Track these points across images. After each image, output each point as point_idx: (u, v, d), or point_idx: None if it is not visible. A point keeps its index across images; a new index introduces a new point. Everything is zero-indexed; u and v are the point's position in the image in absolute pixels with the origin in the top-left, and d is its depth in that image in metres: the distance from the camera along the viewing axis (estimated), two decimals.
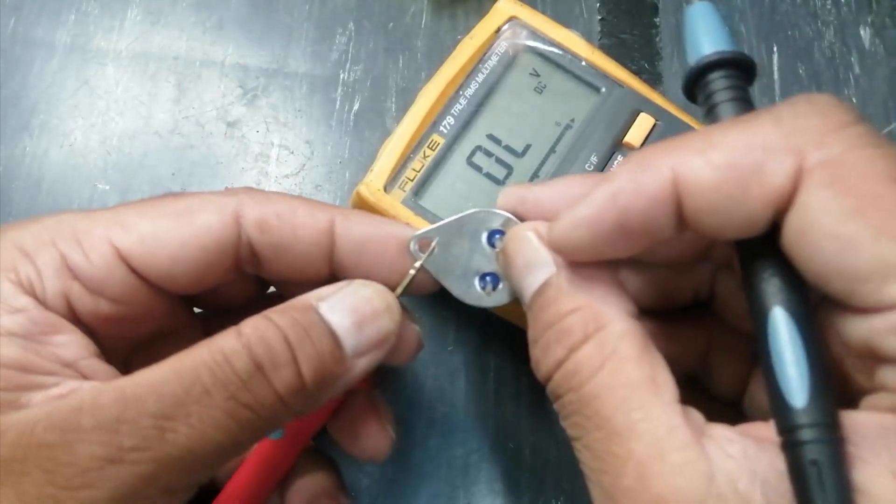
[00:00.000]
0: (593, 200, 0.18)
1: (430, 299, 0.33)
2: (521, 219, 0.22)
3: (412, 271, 0.24)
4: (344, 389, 0.22)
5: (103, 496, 0.17)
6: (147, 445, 0.18)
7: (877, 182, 0.16)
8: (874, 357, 0.16)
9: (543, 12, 0.32)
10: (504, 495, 0.30)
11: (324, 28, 0.38)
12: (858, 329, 0.17)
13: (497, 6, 0.31)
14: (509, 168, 0.30)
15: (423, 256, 0.24)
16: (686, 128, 0.30)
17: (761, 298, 0.18)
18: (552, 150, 0.30)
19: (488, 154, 0.30)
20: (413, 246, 0.24)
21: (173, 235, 0.22)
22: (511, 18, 0.31)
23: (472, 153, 0.30)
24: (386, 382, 0.32)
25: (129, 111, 0.36)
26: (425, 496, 0.30)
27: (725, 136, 0.18)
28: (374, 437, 0.25)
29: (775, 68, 0.37)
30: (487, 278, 0.24)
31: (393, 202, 0.28)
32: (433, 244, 0.24)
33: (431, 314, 0.33)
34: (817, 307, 0.18)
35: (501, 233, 0.23)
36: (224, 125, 0.36)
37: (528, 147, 0.30)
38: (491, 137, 0.30)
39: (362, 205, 0.28)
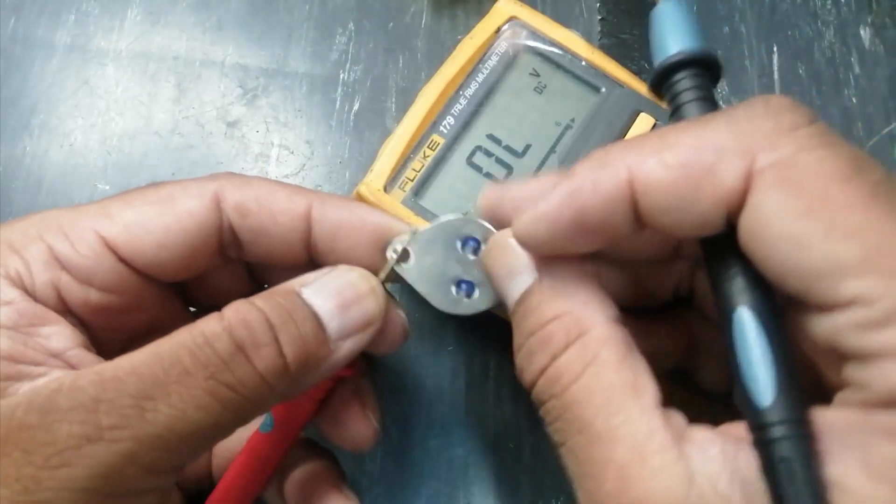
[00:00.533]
0: (553, 197, 0.19)
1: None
2: (501, 218, 0.22)
3: (394, 255, 0.24)
4: (329, 373, 0.22)
5: (82, 474, 0.17)
6: (126, 424, 0.18)
7: (827, 182, 0.16)
8: (838, 354, 0.17)
9: (543, 12, 0.32)
10: (504, 495, 0.30)
11: (324, 28, 0.38)
12: (821, 326, 0.17)
13: (497, 6, 0.31)
14: (509, 168, 0.30)
15: (393, 262, 0.24)
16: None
17: (726, 298, 0.18)
18: (552, 150, 0.30)
19: (488, 154, 0.30)
20: (390, 253, 0.24)
21: (157, 221, 0.23)
22: (511, 18, 0.31)
23: (472, 153, 0.30)
24: (386, 382, 0.32)
25: (129, 111, 0.36)
26: (425, 496, 0.30)
27: (680, 136, 0.18)
28: (357, 426, 0.25)
29: (775, 68, 0.37)
30: (463, 286, 0.24)
31: (393, 202, 0.28)
32: (401, 248, 0.24)
33: (431, 314, 0.33)
34: (786, 305, 0.18)
35: (476, 240, 0.23)
36: (224, 125, 0.36)
37: (528, 147, 0.30)
38: (491, 137, 0.30)
39: None
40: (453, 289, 0.24)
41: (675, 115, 0.21)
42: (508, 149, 0.30)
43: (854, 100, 0.36)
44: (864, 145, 0.36)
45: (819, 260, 0.16)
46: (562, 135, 0.30)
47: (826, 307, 0.16)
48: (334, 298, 0.22)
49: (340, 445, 0.26)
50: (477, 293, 0.24)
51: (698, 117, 0.19)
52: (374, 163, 0.29)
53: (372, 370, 0.27)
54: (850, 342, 0.16)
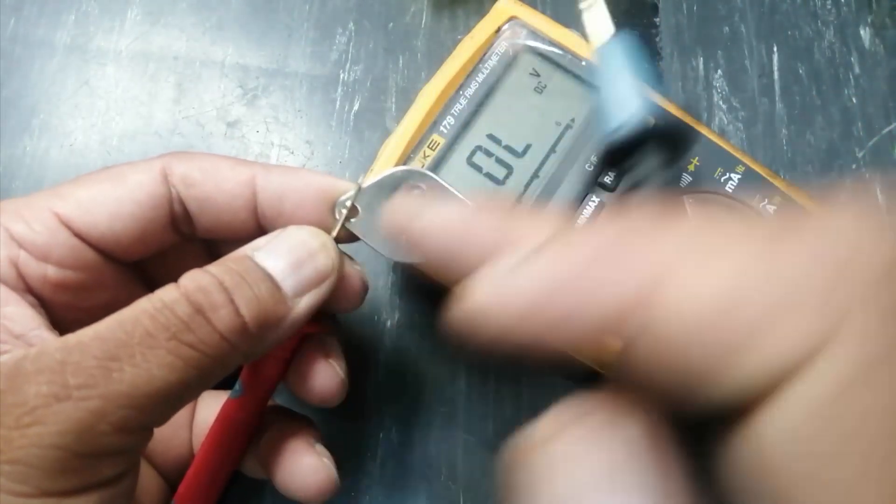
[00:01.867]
0: (538, 279, 0.14)
1: (429, 299, 0.33)
2: (462, 257, 0.17)
3: (344, 210, 0.24)
4: (293, 330, 0.22)
5: (52, 430, 0.17)
6: (93, 383, 0.18)
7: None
8: None
9: (543, 12, 0.32)
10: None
11: (324, 28, 0.38)
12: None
13: (497, 6, 0.31)
14: (509, 168, 0.30)
15: (343, 218, 0.24)
16: (686, 127, 0.30)
17: None
18: (552, 150, 0.30)
19: (488, 154, 0.30)
20: (338, 210, 0.24)
21: (108, 195, 0.23)
22: (511, 18, 0.31)
23: (472, 153, 0.30)
24: (386, 382, 0.32)
25: (129, 111, 0.36)
26: (425, 496, 0.30)
27: (732, 251, 0.12)
28: (321, 377, 0.25)
29: (775, 68, 0.37)
30: None
31: None
32: (350, 205, 0.24)
33: (431, 314, 0.33)
34: None
35: (420, 188, 0.24)
36: (224, 125, 0.36)
37: (528, 147, 0.30)
38: (491, 137, 0.30)
39: None
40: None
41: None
42: (508, 149, 0.30)
43: (854, 100, 0.36)
44: (864, 145, 0.36)
45: None
46: (562, 135, 0.30)
47: None
48: (286, 257, 0.22)
49: (309, 400, 0.25)
50: None
51: (747, 223, 0.13)
52: (374, 163, 0.29)
53: (338, 328, 0.27)
54: None
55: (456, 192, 0.24)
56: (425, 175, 0.24)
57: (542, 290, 0.13)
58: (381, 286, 0.33)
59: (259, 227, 0.25)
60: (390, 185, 0.24)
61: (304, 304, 0.22)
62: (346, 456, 0.30)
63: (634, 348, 0.12)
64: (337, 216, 0.24)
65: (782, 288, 0.11)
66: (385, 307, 0.33)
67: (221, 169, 0.25)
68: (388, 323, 0.33)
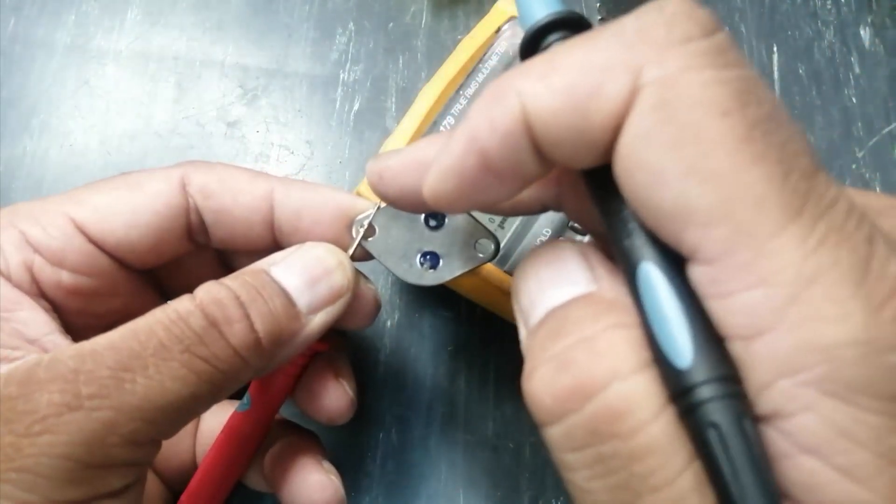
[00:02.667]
0: (453, 147, 0.17)
1: (430, 299, 0.33)
2: (388, 191, 0.20)
3: (361, 229, 0.24)
4: (304, 346, 0.22)
5: (63, 440, 0.17)
6: (106, 394, 0.18)
7: (703, 111, 0.14)
8: None
9: None
10: (504, 495, 0.30)
11: (324, 28, 0.38)
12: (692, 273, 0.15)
13: (497, 6, 0.31)
14: None
15: (360, 237, 0.24)
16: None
17: (625, 253, 0.16)
18: None
19: None
20: (356, 228, 0.24)
21: (125, 203, 0.23)
22: (511, 18, 0.31)
23: None
24: (386, 382, 0.32)
25: (129, 111, 0.36)
26: (425, 496, 0.30)
27: (567, 56, 0.16)
28: (331, 397, 0.25)
29: (775, 68, 0.37)
30: (427, 256, 0.24)
31: None
32: (368, 224, 0.24)
33: (431, 314, 0.33)
34: None
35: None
36: (224, 125, 0.36)
37: None
38: None
39: None
40: (418, 261, 0.24)
41: None
42: None
43: (854, 100, 0.36)
44: (864, 145, 0.36)
45: (670, 199, 0.14)
46: None
47: (673, 244, 0.15)
48: (302, 274, 0.22)
49: (317, 419, 0.26)
50: (441, 264, 0.24)
51: (588, 33, 0.17)
52: None
53: (347, 345, 0.27)
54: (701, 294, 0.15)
55: (476, 219, 0.24)
56: None
57: (465, 133, 0.16)
58: (381, 286, 0.33)
59: (274, 241, 0.25)
60: None
61: (317, 321, 0.22)
62: (346, 456, 0.30)
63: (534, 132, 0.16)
64: (354, 234, 0.24)
65: (600, 60, 0.15)
66: (385, 307, 0.33)
67: (240, 181, 0.24)
68: (388, 323, 0.33)
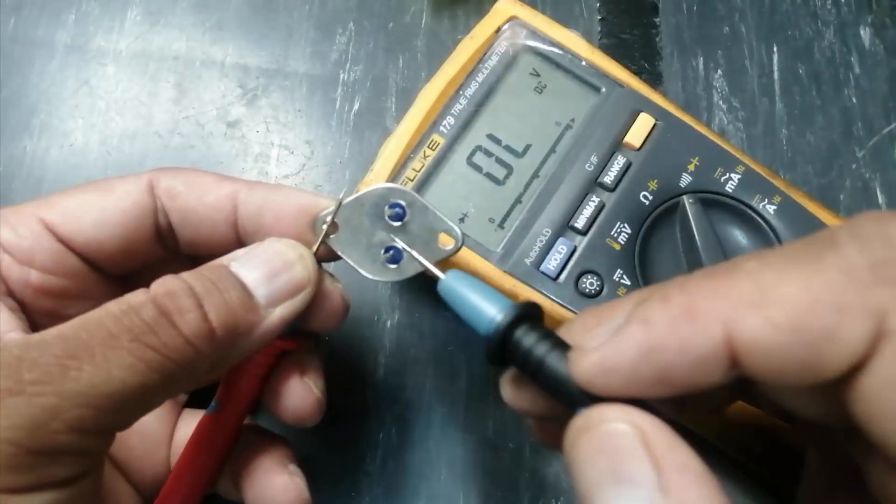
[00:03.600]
0: (625, 347, 0.16)
1: (430, 299, 0.33)
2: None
3: (324, 226, 0.24)
4: (265, 340, 0.22)
5: (3, 425, 0.17)
6: (48, 380, 0.18)
7: None
8: None
9: (543, 12, 0.32)
10: (504, 495, 0.30)
11: (324, 28, 0.38)
12: None
13: (497, 6, 0.31)
14: (509, 168, 0.30)
15: (323, 234, 0.24)
16: (686, 128, 0.30)
17: None
18: (552, 150, 0.30)
19: (488, 154, 0.30)
20: (318, 226, 0.24)
21: (94, 203, 0.24)
22: (511, 18, 0.31)
23: (472, 153, 0.30)
24: (386, 383, 0.32)
25: (129, 111, 0.36)
26: (425, 496, 0.30)
27: (784, 285, 0.15)
28: (296, 396, 0.25)
29: (775, 68, 0.37)
30: (391, 251, 0.24)
31: None
32: (331, 220, 0.24)
33: (432, 314, 0.33)
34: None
35: (401, 206, 0.24)
36: (224, 125, 0.36)
37: (528, 147, 0.30)
38: (491, 137, 0.30)
39: None
40: (382, 256, 0.24)
41: (540, 371, 0.18)
42: (508, 149, 0.30)
43: (854, 100, 0.36)
44: (864, 145, 0.36)
45: None
46: (562, 135, 0.30)
47: None
48: (261, 267, 0.22)
49: (285, 420, 0.25)
50: (405, 259, 0.24)
51: (790, 250, 0.16)
52: (374, 163, 0.29)
53: (320, 347, 0.27)
54: None
55: (436, 211, 0.24)
56: (406, 193, 0.24)
57: (644, 342, 0.16)
58: (381, 286, 0.33)
59: (240, 243, 0.25)
60: (370, 202, 0.24)
61: (277, 314, 0.22)
62: (346, 456, 0.30)
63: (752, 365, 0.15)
64: (317, 232, 0.24)
65: (831, 299, 0.15)
66: (385, 307, 0.33)
67: (205, 182, 0.25)
68: (388, 323, 0.33)
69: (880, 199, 0.35)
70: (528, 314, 0.19)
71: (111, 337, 0.19)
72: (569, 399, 0.18)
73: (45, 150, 0.35)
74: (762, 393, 0.19)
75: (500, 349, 0.19)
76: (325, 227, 0.24)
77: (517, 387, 0.20)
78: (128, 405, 0.19)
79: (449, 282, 0.21)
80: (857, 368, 0.15)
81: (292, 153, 0.36)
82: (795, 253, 0.16)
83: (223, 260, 0.23)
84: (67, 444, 0.18)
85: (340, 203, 0.24)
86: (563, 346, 0.18)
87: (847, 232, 0.16)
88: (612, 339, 0.17)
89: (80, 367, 0.18)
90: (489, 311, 0.19)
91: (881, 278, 0.15)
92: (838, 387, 0.16)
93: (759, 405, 0.22)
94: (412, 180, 0.29)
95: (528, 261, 0.28)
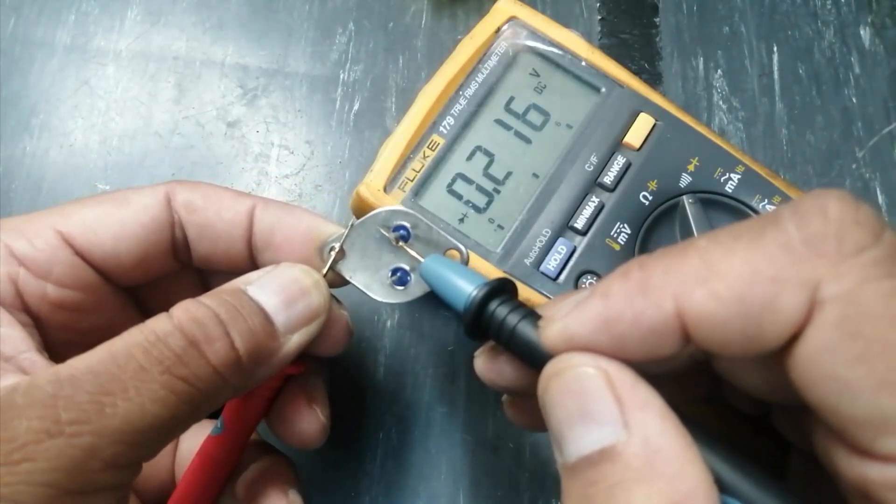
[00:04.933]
0: (585, 317, 0.17)
1: (430, 299, 0.33)
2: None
3: (333, 252, 0.24)
4: (279, 367, 0.22)
5: (43, 468, 0.17)
6: (86, 419, 0.18)
7: (888, 325, 0.15)
8: (868, 496, 0.16)
9: (543, 12, 0.32)
10: (504, 495, 0.30)
11: (324, 28, 0.38)
12: (855, 468, 0.16)
13: (497, 6, 0.31)
14: (509, 168, 0.30)
15: (332, 259, 0.24)
16: (686, 128, 0.30)
17: None
18: (552, 150, 0.30)
19: (488, 154, 0.30)
20: (325, 252, 0.24)
21: (112, 216, 0.24)
22: (511, 18, 0.31)
23: (472, 153, 0.30)
24: (386, 383, 0.32)
25: (129, 111, 0.36)
26: (425, 496, 0.30)
27: (728, 260, 0.16)
28: (302, 421, 0.25)
29: (775, 68, 0.37)
30: (398, 274, 0.24)
31: (393, 202, 0.28)
32: (339, 247, 0.24)
33: (431, 314, 0.33)
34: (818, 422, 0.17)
35: (405, 228, 0.24)
36: (224, 125, 0.36)
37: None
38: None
39: (362, 205, 0.28)
40: (389, 279, 0.25)
41: (512, 340, 0.20)
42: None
43: (854, 100, 0.36)
44: (864, 145, 0.36)
45: (864, 411, 0.15)
46: (562, 135, 0.30)
47: (862, 452, 0.16)
48: (279, 294, 0.22)
49: (289, 442, 0.25)
50: (412, 280, 0.24)
51: (736, 229, 0.17)
52: (374, 163, 0.29)
53: (323, 369, 0.27)
54: (882, 498, 0.15)
55: (440, 230, 0.24)
56: (409, 214, 0.24)
57: (602, 313, 0.17)
58: None
59: (252, 262, 0.25)
60: (375, 226, 0.24)
61: (294, 340, 0.22)
62: (346, 456, 0.30)
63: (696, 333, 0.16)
64: (324, 257, 0.24)
65: (769, 272, 0.16)
66: (385, 307, 0.33)
67: (224, 198, 0.25)
68: (388, 323, 0.33)
69: (880, 198, 0.35)
70: (503, 288, 0.20)
71: (142, 370, 0.19)
72: (539, 363, 0.19)
73: (44, 150, 0.35)
74: (721, 373, 0.20)
75: (477, 321, 0.20)
76: (332, 252, 0.24)
77: (491, 359, 0.21)
78: (159, 437, 0.19)
79: (429, 264, 0.22)
80: (794, 338, 0.16)
81: (292, 153, 0.36)
82: (742, 231, 0.17)
83: (239, 283, 0.22)
84: (103, 481, 0.18)
85: (351, 227, 0.24)
86: (534, 316, 0.19)
87: (789, 209, 0.17)
88: (575, 309, 0.18)
89: (115, 404, 0.18)
90: (466, 288, 0.21)
91: (815, 251, 0.16)
92: (781, 359, 0.16)
93: (728, 401, 0.22)
94: (412, 180, 0.29)
95: (527, 261, 0.28)
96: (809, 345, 0.16)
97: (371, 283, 0.25)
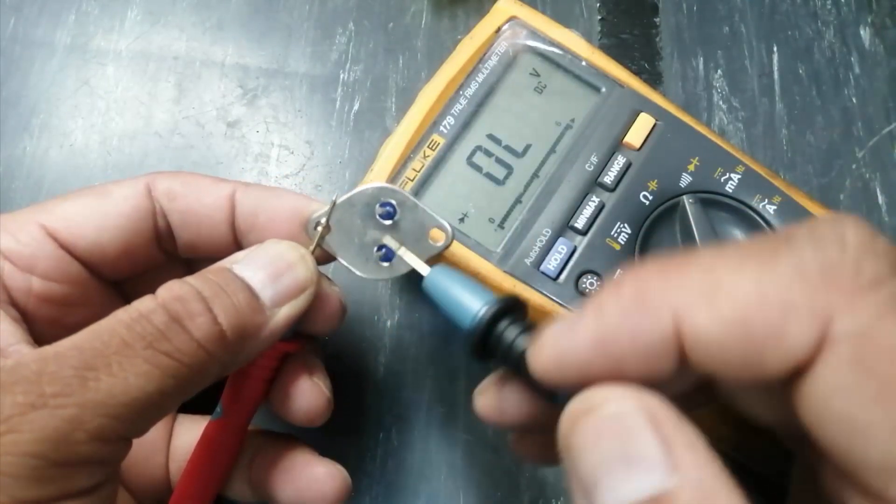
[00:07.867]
0: (578, 338, 0.16)
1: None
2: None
3: (319, 228, 0.24)
4: (271, 341, 0.22)
5: (28, 438, 0.17)
6: (69, 392, 0.18)
7: None
8: None
9: (543, 12, 0.32)
10: (504, 495, 0.30)
11: (324, 28, 0.38)
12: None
13: (497, 6, 0.31)
14: (509, 168, 0.30)
15: (318, 235, 0.24)
16: (686, 128, 0.30)
17: None
18: (552, 150, 0.30)
19: (488, 154, 0.30)
20: (310, 228, 0.24)
21: (95, 208, 0.24)
22: (511, 18, 0.31)
23: (472, 153, 0.30)
24: (386, 383, 0.32)
25: (129, 111, 0.36)
26: (425, 496, 0.30)
27: (735, 279, 0.15)
28: (306, 396, 0.25)
29: (775, 68, 0.37)
30: (383, 249, 0.25)
31: None
32: (325, 222, 0.24)
33: (431, 314, 0.33)
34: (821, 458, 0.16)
35: (391, 205, 0.24)
36: (224, 125, 0.36)
37: (528, 147, 0.30)
38: (491, 137, 0.30)
39: None
40: (374, 255, 0.25)
41: (520, 365, 0.18)
42: (508, 149, 0.30)
43: (854, 100, 0.36)
44: (864, 145, 0.36)
45: (879, 455, 0.14)
46: (562, 135, 0.30)
47: (874, 498, 0.15)
48: (265, 269, 0.22)
49: (294, 421, 0.25)
50: (396, 256, 0.24)
51: (749, 246, 0.16)
52: (374, 163, 0.29)
53: (320, 349, 0.27)
54: None
55: (425, 208, 0.24)
56: (397, 192, 0.24)
57: (598, 331, 0.16)
58: (381, 286, 0.33)
59: (237, 244, 0.25)
60: (361, 202, 0.24)
61: (282, 314, 0.22)
62: (347, 456, 0.30)
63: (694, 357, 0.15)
64: (310, 233, 0.24)
65: (781, 298, 0.15)
66: (385, 307, 0.33)
67: (203, 184, 0.25)
68: (388, 323, 0.33)
69: (880, 199, 0.35)
70: (512, 307, 0.19)
71: (125, 345, 0.19)
72: (557, 395, 0.17)
73: (44, 150, 0.35)
74: (723, 396, 0.19)
75: (483, 342, 0.19)
76: (319, 228, 0.24)
77: (496, 391, 0.21)
78: (145, 412, 0.19)
79: (433, 276, 0.22)
80: (801, 371, 0.15)
81: (292, 153, 0.36)
82: (752, 249, 0.16)
83: (225, 263, 0.23)
84: (89, 454, 0.18)
85: (335, 204, 0.24)
86: None
87: (804, 232, 0.16)
88: (568, 330, 0.17)
89: (98, 378, 0.18)
90: (473, 305, 0.20)
91: (831, 282, 0.15)
92: (786, 390, 0.15)
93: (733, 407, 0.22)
94: (412, 180, 0.29)
95: (528, 261, 0.28)
96: (821, 381, 0.15)
97: (355, 259, 0.25)
